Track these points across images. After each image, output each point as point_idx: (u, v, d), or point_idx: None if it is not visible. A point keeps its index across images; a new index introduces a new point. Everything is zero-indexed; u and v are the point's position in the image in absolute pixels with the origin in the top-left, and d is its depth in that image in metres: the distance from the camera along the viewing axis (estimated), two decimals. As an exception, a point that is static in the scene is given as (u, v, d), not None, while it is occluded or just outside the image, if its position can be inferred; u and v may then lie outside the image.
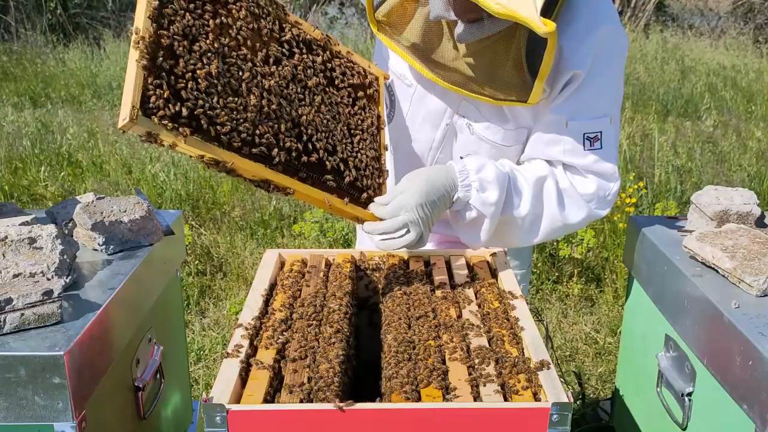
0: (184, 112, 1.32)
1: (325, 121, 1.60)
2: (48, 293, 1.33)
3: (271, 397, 1.25)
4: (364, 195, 1.67)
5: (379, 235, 1.62)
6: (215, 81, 1.38)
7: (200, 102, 1.34)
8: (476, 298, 1.60)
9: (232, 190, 5.53)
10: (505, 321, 1.49)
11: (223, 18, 1.45)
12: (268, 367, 1.29)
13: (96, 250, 1.66)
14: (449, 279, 1.70)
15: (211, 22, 1.43)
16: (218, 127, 1.37)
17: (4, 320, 1.28)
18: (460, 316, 1.52)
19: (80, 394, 1.29)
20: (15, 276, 1.41)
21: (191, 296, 4.20)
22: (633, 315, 2.06)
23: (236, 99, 1.41)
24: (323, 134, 1.58)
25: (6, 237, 1.46)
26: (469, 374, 1.31)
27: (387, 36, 1.72)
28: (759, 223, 1.84)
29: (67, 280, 1.45)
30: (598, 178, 1.71)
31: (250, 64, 1.47)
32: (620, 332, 2.77)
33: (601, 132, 1.68)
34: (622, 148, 5.84)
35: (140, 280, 1.62)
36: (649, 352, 1.86)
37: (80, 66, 9.44)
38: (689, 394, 1.63)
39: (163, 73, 1.31)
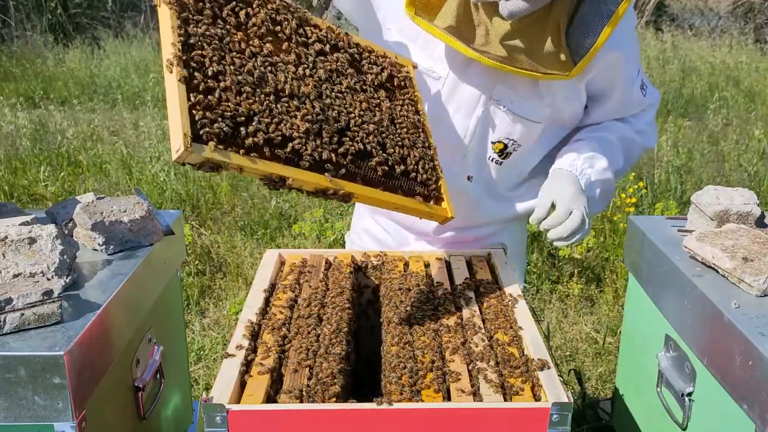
0: (238, 132, 1.26)
1: (370, 119, 1.54)
2: (48, 293, 1.33)
3: (271, 397, 1.25)
4: (422, 188, 1.59)
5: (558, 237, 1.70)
6: (257, 94, 1.33)
7: (250, 120, 1.28)
8: (476, 298, 1.60)
9: (232, 190, 5.53)
10: (505, 321, 1.50)
11: (249, 26, 1.41)
12: (269, 367, 1.30)
13: (96, 250, 1.66)
14: (449, 279, 1.70)
15: (238, 33, 1.38)
16: (273, 142, 1.30)
17: (4, 320, 1.28)
18: (460, 317, 1.52)
19: (80, 394, 1.29)
20: (15, 276, 1.40)
21: (191, 296, 4.20)
22: (633, 315, 2.06)
23: (281, 111, 1.35)
24: (373, 134, 1.52)
25: (6, 237, 1.46)
26: (469, 374, 1.31)
27: (425, 20, 1.70)
28: (759, 223, 1.83)
29: (67, 280, 1.45)
30: (653, 106, 2.01)
31: (283, 74, 1.41)
32: (620, 332, 2.77)
33: (642, 79, 1.93)
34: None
35: (140, 280, 1.62)
36: (649, 352, 1.86)
37: (80, 66, 9.45)
38: (689, 394, 1.63)
39: (205, 94, 1.25)
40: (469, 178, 1.87)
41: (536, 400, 1.25)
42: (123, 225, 1.67)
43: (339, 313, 1.50)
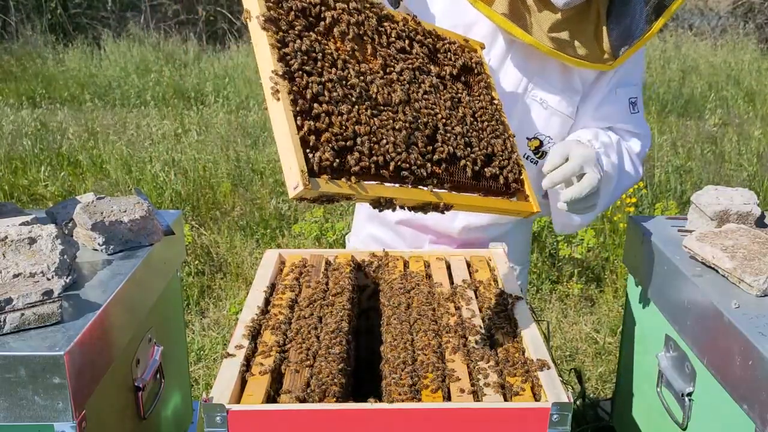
0: (345, 159, 1.20)
1: (455, 118, 1.48)
2: (48, 293, 1.33)
3: (271, 397, 1.25)
4: (508, 185, 1.55)
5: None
6: (357, 111, 1.26)
7: (355, 143, 1.23)
8: (476, 298, 1.60)
9: (232, 190, 5.53)
10: (505, 321, 1.50)
11: (336, 33, 1.33)
12: (269, 367, 1.29)
13: (96, 250, 1.66)
14: (449, 279, 1.70)
15: (329, 43, 1.30)
16: (377, 163, 1.25)
17: (4, 320, 1.28)
18: (460, 317, 1.52)
19: (80, 394, 1.29)
20: (15, 276, 1.40)
21: (191, 296, 4.20)
22: (633, 315, 2.06)
23: (380, 126, 1.28)
24: (460, 135, 1.46)
25: (6, 237, 1.46)
26: (469, 374, 1.31)
27: (484, 2, 1.70)
28: (759, 223, 1.83)
29: (67, 280, 1.45)
30: (640, 140, 1.87)
31: (375, 84, 1.33)
32: (620, 332, 2.77)
33: (637, 98, 1.84)
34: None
35: (140, 280, 1.62)
36: (649, 352, 1.86)
37: (80, 66, 9.45)
38: (689, 394, 1.63)
39: (313, 120, 1.18)
40: None
41: (536, 400, 1.25)
42: (123, 225, 1.67)
43: (339, 313, 1.50)
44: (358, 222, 2.19)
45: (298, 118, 1.16)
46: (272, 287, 1.64)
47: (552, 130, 1.83)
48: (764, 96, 8.33)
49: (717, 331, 1.47)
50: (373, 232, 2.11)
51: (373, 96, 1.31)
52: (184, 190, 5.48)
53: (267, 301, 1.57)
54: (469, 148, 1.47)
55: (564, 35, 1.69)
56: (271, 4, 1.24)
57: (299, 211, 5.24)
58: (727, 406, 1.43)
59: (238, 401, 1.21)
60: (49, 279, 1.40)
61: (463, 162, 1.44)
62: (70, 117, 7.52)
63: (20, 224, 1.53)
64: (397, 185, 1.29)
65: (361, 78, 1.31)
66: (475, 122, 1.55)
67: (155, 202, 5.28)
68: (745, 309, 1.44)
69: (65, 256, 1.47)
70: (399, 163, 1.29)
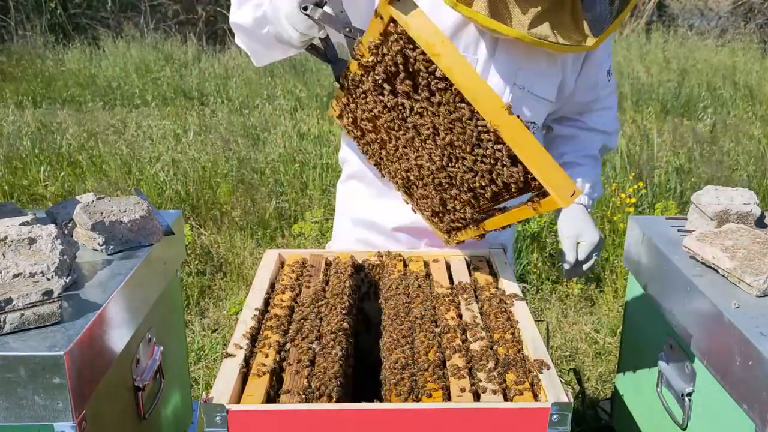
0: None
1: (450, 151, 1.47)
2: (48, 293, 1.33)
3: (271, 397, 1.25)
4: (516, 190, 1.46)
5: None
6: None
7: None
8: (476, 298, 1.60)
9: (232, 190, 5.53)
10: (505, 321, 1.49)
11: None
12: (269, 367, 1.29)
13: (96, 250, 1.66)
14: (449, 279, 1.70)
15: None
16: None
17: (4, 320, 1.28)
18: (460, 317, 1.52)
19: (80, 394, 1.29)
20: (15, 276, 1.40)
21: (191, 296, 4.20)
22: (633, 315, 2.06)
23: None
24: (465, 172, 1.47)
25: (6, 237, 1.46)
26: (469, 374, 1.31)
27: (464, 5, 1.69)
28: (759, 223, 1.84)
29: (67, 280, 1.45)
30: (613, 98, 2.03)
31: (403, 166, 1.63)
32: (620, 332, 2.77)
33: (609, 65, 1.97)
34: (621, 149, 5.83)
35: (140, 280, 1.62)
36: (649, 352, 1.86)
37: (80, 66, 9.45)
38: (689, 394, 1.63)
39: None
40: None
41: (536, 400, 1.25)
42: (123, 225, 1.67)
43: (338, 313, 1.50)
44: (341, 227, 2.10)
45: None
46: (272, 287, 1.64)
47: (537, 116, 1.90)
48: (764, 96, 8.33)
49: (717, 331, 1.47)
50: (365, 237, 2.03)
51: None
52: (184, 190, 5.48)
53: (267, 301, 1.57)
54: (471, 176, 1.50)
55: (545, 23, 1.72)
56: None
57: (299, 211, 5.24)
58: (727, 406, 1.43)
59: (238, 401, 1.21)
60: (49, 279, 1.40)
61: (480, 196, 1.54)
62: (70, 117, 7.51)
63: (20, 224, 1.53)
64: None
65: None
66: (450, 135, 1.42)
67: (155, 202, 5.28)
68: (745, 309, 1.44)
69: (65, 256, 1.47)
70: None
